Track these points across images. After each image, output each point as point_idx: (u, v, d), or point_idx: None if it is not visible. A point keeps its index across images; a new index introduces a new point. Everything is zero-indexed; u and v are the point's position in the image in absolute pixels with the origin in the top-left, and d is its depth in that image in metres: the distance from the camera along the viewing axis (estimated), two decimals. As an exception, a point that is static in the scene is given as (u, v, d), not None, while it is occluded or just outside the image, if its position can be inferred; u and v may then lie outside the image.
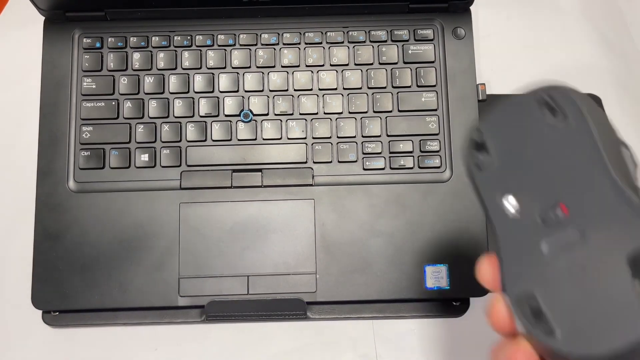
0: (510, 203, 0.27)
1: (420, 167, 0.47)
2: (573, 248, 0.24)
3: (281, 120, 0.47)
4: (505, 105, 0.28)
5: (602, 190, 0.24)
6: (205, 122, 0.47)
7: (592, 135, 0.25)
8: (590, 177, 0.24)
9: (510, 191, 0.27)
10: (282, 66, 0.48)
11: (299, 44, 0.48)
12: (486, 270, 0.27)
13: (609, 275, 0.23)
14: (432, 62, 0.48)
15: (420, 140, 0.47)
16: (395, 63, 0.48)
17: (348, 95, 0.48)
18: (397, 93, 0.48)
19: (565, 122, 0.26)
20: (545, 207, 0.26)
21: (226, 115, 0.47)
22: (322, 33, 0.49)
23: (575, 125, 0.25)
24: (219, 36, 0.48)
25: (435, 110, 0.47)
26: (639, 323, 0.21)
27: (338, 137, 0.47)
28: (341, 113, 0.48)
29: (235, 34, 0.48)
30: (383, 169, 0.47)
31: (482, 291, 0.45)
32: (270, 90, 0.48)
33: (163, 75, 0.48)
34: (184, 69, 0.48)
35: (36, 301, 0.44)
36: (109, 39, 0.48)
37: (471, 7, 0.49)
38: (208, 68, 0.48)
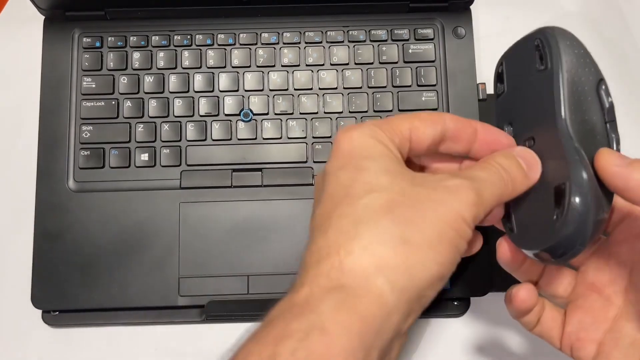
0: (508, 130, 0.35)
1: (420, 167, 0.46)
2: None
3: (281, 120, 0.47)
4: (515, 44, 0.35)
5: (555, 131, 0.30)
6: (205, 121, 0.47)
7: (560, 83, 0.31)
8: (552, 119, 0.31)
9: (509, 120, 0.35)
10: (282, 65, 0.48)
11: (299, 43, 0.48)
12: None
13: (543, 200, 0.30)
14: (433, 61, 0.48)
15: (420, 140, 0.47)
16: (396, 62, 0.48)
17: (348, 94, 0.48)
18: (398, 92, 0.48)
19: (545, 69, 0.32)
20: (526, 137, 0.33)
21: (226, 115, 0.47)
22: (322, 32, 0.49)
23: (551, 72, 0.31)
24: (218, 35, 0.48)
25: (436, 109, 0.47)
26: (550, 237, 0.29)
27: (338, 137, 0.47)
28: (341, 112, 0.47)
29: (235, 33, 0.48)
30: (383, 168, 0.46)
31: (482, 291, 0.45)
32: (270, 90, 0.48)
33: (163, 74, 0.48)
34: (184, 68, 0.48)
35: (36, 301, 0.44)
36: (109, 39, 0.48)
37: (471, 7, 0.49)
38: (208, 67, 0.48)
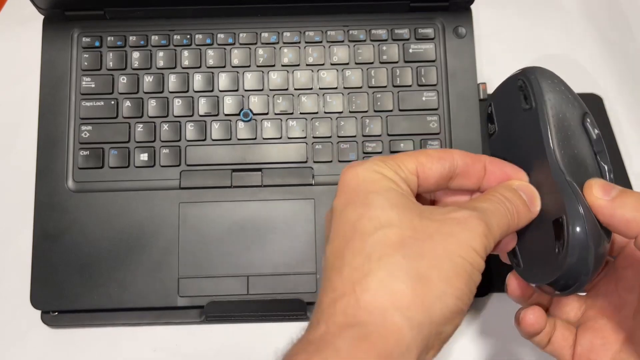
0: None
1: (421, 167, 0.46)
2: None
3: (281, 120, 0.47)
4: (501, 85, 0.36)
5: (547, 167, 0.31)
6: (205, 121, 0.47)
7: (546, 121, 0.32)
8: (543, 156, 0.31)
9: (502, 158, 0.35)
10: (282, 65, 0.48)
11: (299, 42, 0.48)
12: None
13: (545, 234, 0.31)
14: (433, 61, 0.48)
15: (421, 140, 0.47)
16: (396, 62, 0.48)
17: (348, 94, 0.48)
18: (398, 92, 0.47)
19: (530, 108, 0.33)
20: None
21: (226, 115, 0.47)
22: (322, 32, 0.48)
23: (536, 111, 0.32)
24: (218, 35, 0.48)
25: (436, 109, 0.47)
26: (554, 270, 0.30)
27: (338, 137, 0.47)
28: (341, 112, 0.47)
29: (235, 33, 0.48)
30: (383, 168, 0.46)
31: (482, 291, 0.45)
32: (270, 90, 0.48)
33: (162, 74, 0.48)
34: (183, 68, 0.48)
35: (35, 301, 0.44)
36: (108, 38, 0.48)
37: (472, 6, 0.49)
38: (208, 67, 0.48)
